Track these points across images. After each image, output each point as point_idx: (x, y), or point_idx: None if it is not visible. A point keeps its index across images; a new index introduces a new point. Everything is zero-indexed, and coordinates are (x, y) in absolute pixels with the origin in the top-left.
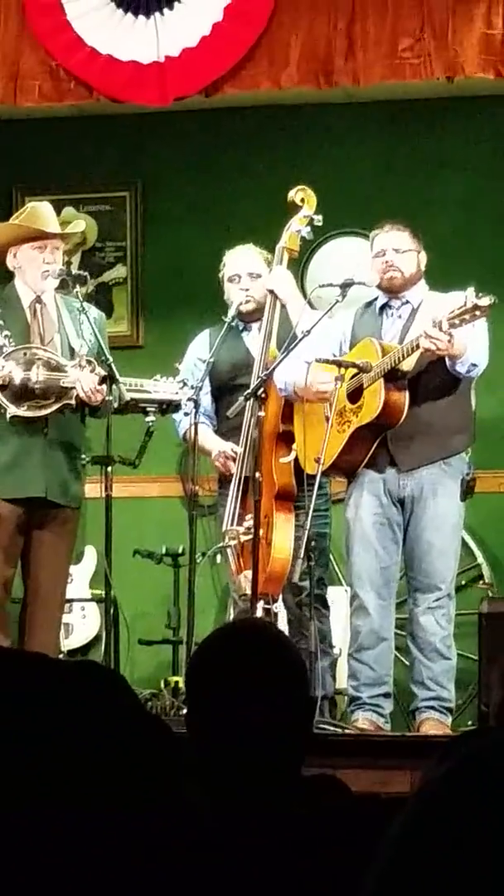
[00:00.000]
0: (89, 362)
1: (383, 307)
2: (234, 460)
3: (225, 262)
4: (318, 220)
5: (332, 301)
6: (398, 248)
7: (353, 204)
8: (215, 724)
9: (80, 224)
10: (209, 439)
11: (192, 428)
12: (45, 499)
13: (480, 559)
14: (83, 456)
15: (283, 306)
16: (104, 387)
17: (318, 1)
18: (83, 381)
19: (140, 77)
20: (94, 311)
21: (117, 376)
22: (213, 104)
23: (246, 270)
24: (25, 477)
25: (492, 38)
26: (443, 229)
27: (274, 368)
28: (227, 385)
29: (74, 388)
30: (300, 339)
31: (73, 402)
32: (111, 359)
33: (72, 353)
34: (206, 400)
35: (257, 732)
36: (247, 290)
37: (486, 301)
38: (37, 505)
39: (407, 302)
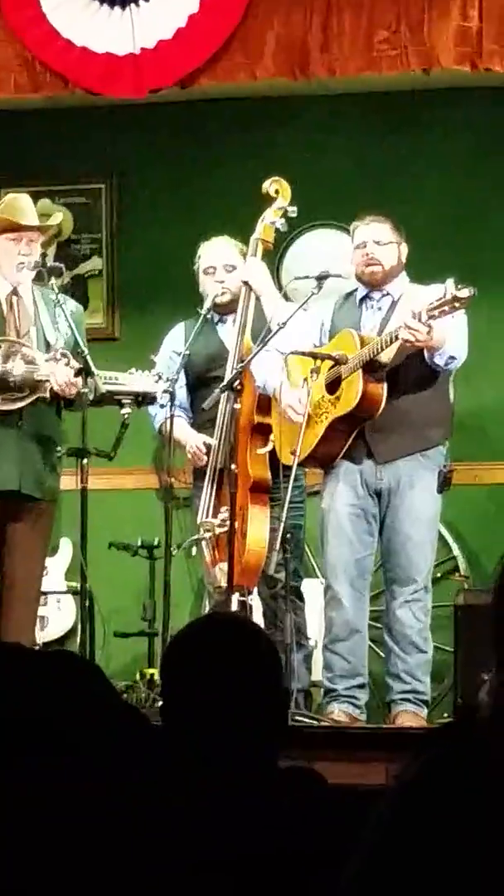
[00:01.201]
0: (64, 355)
1: (363, 299)
2: (208, 453)
3: (200, 254)
4: (293, 211)
5: (308, 293)
6: (379, 240)
7: (329, 196)
8: (190, 715)
9: (58, 217)
10: (184, 432)
11: (168, 421)
12: (19, 492)
13: (456, 551)
14: (59, 448)
15: (257, 298)
16: (79, 379)
17: None
18: (57, 375)
19: (115, 69)
20: (71, 304)
21: (93, 369)
22: (189, 96)
23: (221, 262)
24: None
25: (468, 30)
26: (419, 222)
27: (249, 360)
28: (202, 377)
29: (48, 380)
30: (276, 332)
31: (46, 395)
32: (87, 351)
33: (47, 346)
34: (182, 392)
35: (232, 724)
36: (222, 281)
37: (465, 293)
38: (11, 498)
39: (387, 294)
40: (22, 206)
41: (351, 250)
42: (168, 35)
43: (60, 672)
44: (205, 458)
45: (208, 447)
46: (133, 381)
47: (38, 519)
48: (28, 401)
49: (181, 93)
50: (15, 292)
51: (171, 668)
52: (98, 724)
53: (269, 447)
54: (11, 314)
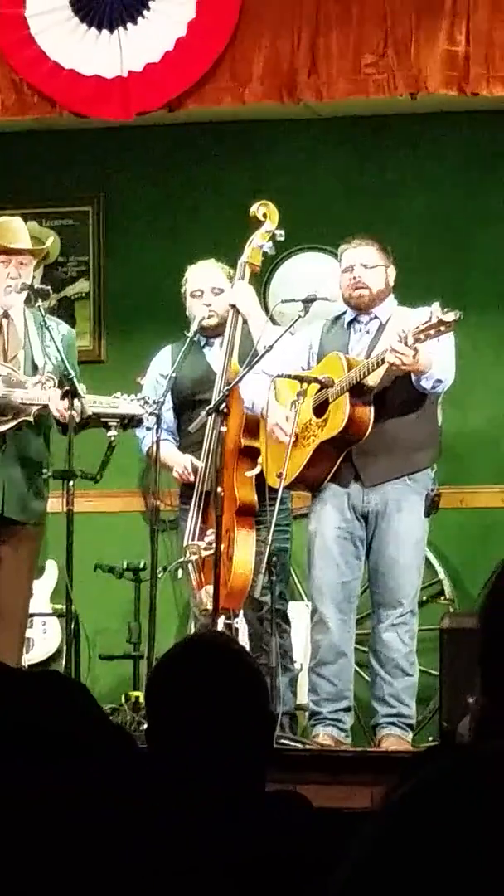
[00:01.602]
0: (50, 379)
1: (351, 322)
2: (195, 472)
3: (187, 277)
4: (280, 234)
5: (294, 316)
6: (366, 263)
7: (316, 220)
8: (175, 738)
9: (50, 240)
10: (171, 454)
11: (154, 441)
12: (1, 516)
13: (441, 575)
14: (45, 471)
15: (244, 321)
16: (64, 403)
17: (282, 16)
18: (55, 401)
19: (103, 91)
20: (63, 328)
21: (79, 391)
22: (177, 119)
23: (208, 285)
24: None
25: (455, 54)
26: (405, 245)
27: (236, 383)
28: (188, 400)
29: (33, 405)
30: (262, 355)
31: (30, 418)
32: (74, 374)
33: (35, 369)
34: (168, 416)
35: (217, 747)
36: (209, 304)
37: (451, 316)
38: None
39: (375, 317)
40: (12, 228)
41: (338, 273)
42: (156, 58)
43: (47, 691)
44: (192, 476)
45: (195, 467)
46: (118, 405)
47: (22, 542)
48: (11, 425)
49: (169, 115)
50: (6, 315)
51: (156, 690)
52: (84, 744)
53: (257, 470)
54: (0, 337)
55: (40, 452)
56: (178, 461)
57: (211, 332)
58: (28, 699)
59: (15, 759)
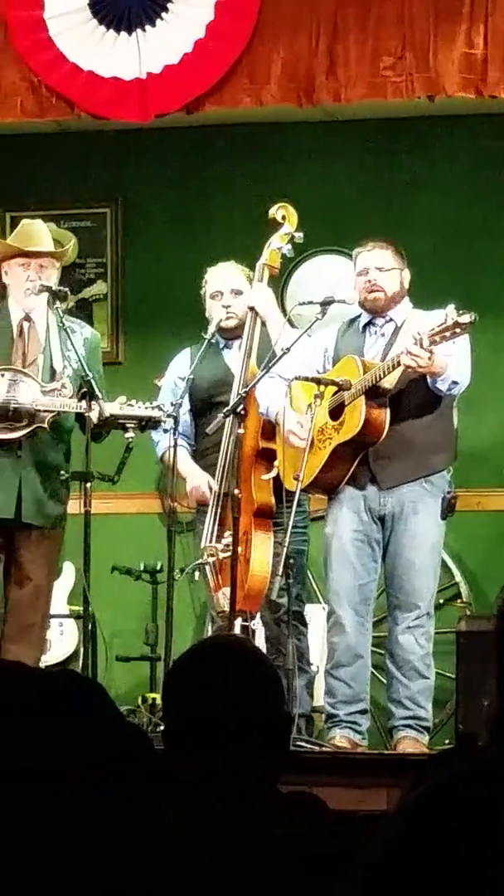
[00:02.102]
0: (64, 386)
1: (367, 325)
2: (209, 491)
3: (207, 279)
4: (299, 237)
5: (312, 319)
6: (381, 266)
7: (334, 222)
8: (192, 740)
9: (72, 242)
10: (187, 466)
11: (171, 446)
12: (18, 520)
13: (458, 578)
14: (63, 472)
15: (263, 323)
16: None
17: (300, 19)
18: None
19: (121, 93)
20: (87, 331)
21: (98, 393)
22: (195, 121)
23: (228, 287)
24: None
25: (472, 57)
26: (422, 248)
27: (254, 385)
28: (206, 402)
29: (48, 411)
30: (280, 357)
31: (45, 424)
32: (92, 375)
33: (53, 373)
34: (185, 419)
35: (233, 749)
36: (228, 306)
37: (466, 318)
38: (14, 525)
39: (390, 320)
40: (32, 231)
41: (353, 276)
42: (174, 60)
43: (63, 690)
44: (207, 497)
45: (210, 488)
46: (133, 411)
47: (40, 546)
48: (25, 431)
49: (187, 118)
50: (28, 318)
51: (173, 692)
52: (101, 744)
53: (274, 473)
54: (21, 340)
55: (58, 457)
56: (193, 479)
57: (230, 334)
58: (42, 700)
59: (29, 759)
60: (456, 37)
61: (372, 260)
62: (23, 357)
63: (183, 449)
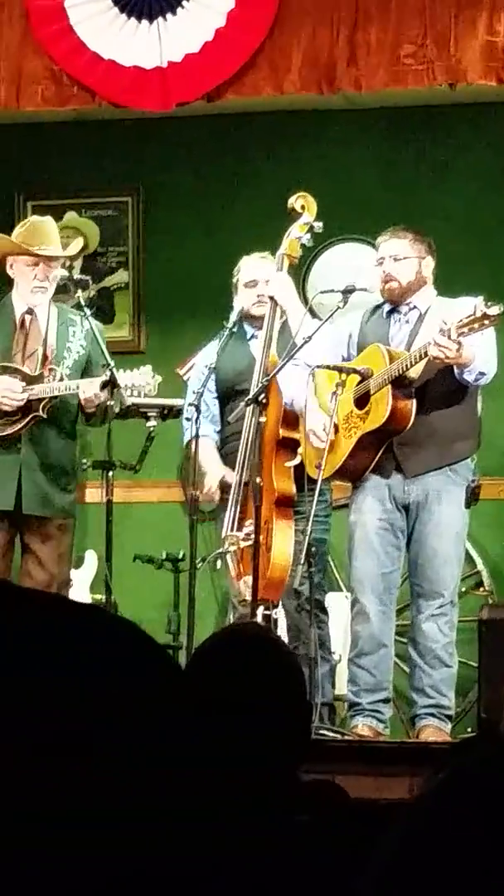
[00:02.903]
0: (52, 371)
1: (391, 312)
2: (223, 491)
3: (240, 268)
4: (319, 226)
5: (333, 307)
6: (395, 255)
7: (355, 210)
8: (212, 728)
9: (78, 245)
10: (207, 461)
11: (194, 435)
12: (20, 512)
13: (480, 566)
14: (84, 461)
15: (283, 313)
16: (104, 392)
17: (321, 7)
18: (84, 390)
19: (142, 82)
20: (90, 321)
21: (118, 381)
22: (216, 110)
23: (263, 276)
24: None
25: (494, 44)
26: (444, 236)
27: (275, 374)
28: (231, 390)
29: (43, 399)
30: (301, 346)
31: (42, 414)
32: (112, 363)
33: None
34: (214, 405)
35: (254, 737)
36: (262, 294)
37: (495, 310)
38: (23, 517)
39: (414, 307)
40: (42, 230)
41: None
42: (195, 49)
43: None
44: (216, 497)
45: (225, 484)
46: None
47: (50, 536)
48: (21, 424)
49: (208, 106)
50: (30, 311)
51: (194, 680)
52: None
53: (297, 460)
54: (22, 333)
55: (63, 446)
56: (210, 476)
57: (260, 323)
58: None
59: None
60: (477, 24)
61: (388, 249)
62: (23, 349)
63: (208, 440)
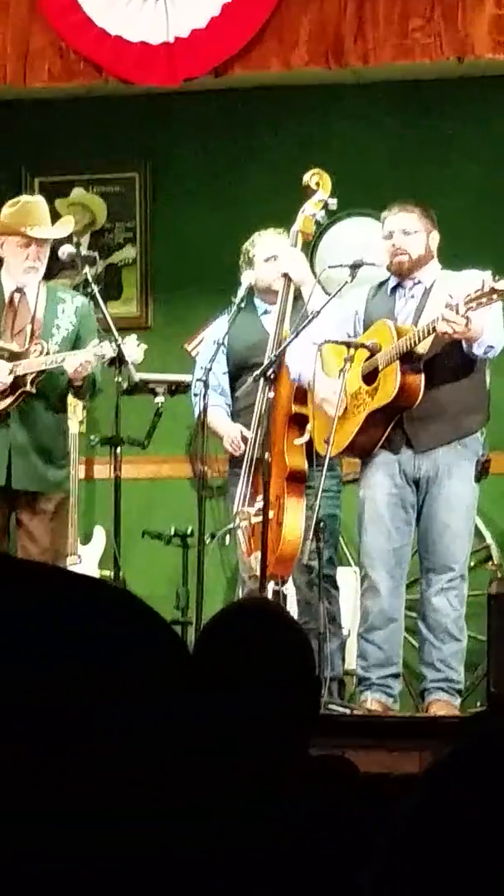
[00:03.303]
0: (38, 344)
1: (395, 287)
2: (245, 442)
3: (255, 242)
4: (333, 203)
5: (341, 282)
6: (406, 229)
7: (363, 185)
8: (221, 703)
9: (68, 227)
10: (221, 422)
11: (202, 409)
12: (10, 487)
13: (489, 540)
14: (93, 437)
15: (297, 289)
16: (90, 365)
17: None
18: (68, 364)
19: (149, 57)
20: (78, 300)
21: (126, 358)
22: (223, 85)
23: (283, 252)
24: None
25: (502, 18)
26: (453, 210)
27: (283, 349)
28: (244, 365)
29: (28, 374)
30: (310, 320)
31: (30, 388)
32: (120, 339)
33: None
34: (224, 380)
35: (263, 712)
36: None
37: (503, 284)
38: (14, 493)
39: (419, 282)
40: (33, 211)
41: (381, 240)
42: (202, 24)
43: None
44: (242, 446)
45: (244, 437)
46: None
47: (43, 510)
48: (9, 400)
49: (215, 81)
50: (19, 290)
51: (202, 655)
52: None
53: (306, 438)
54: (11, 311)
55: (53, 421)
56: (228, 431)
57: (273, 298)
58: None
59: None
60: None
61: (397, 223)
62: (11, 326)
63: (220, 409)
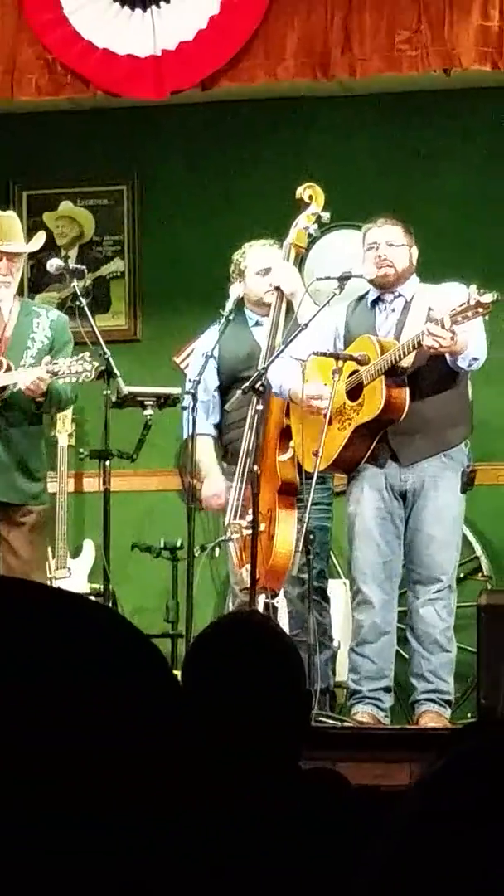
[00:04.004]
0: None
1: (375, 301)
2: (223, 500)
3: (247, 255)
4: (326, 217)
5: (329, 294)
6: (392, 241)
7: (350, 197)
8: (211, 716)
9: (40, 241)
10: (206, 464)
11: (191, 425)
12: None
13: (479, 551)
14: (82, 450)
15: (289, 302)
16: (42, 382)
17: None
18: (21, 378)
19: (137, 71)
20: (53, 314)
21: (115, 370)
22: (210, 97)
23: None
24: None
25: (489, 29)
26: (439, 222)
27: (271, 362)
28: (233, 378)
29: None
30: (298, 332)
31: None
32: (108, 353)
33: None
34: (215, 396)
35: (253, 724)
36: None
37: (488, 298)
38: None
39: (399, 295)
40: (6, 225)
41: (363, 252)
42: (189, 36)
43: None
44: (214, 509)
45: (224, 495)
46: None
47: (21, 522)
48: None
49: (202, 94)
50: None
51: (192, 668)
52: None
53: (290, 454)
54: None
55: (26, 434)
56: (212, 488)
57: (265, 310)
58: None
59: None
60: (471, 9)
61: (383, 235)
62: None
63: (206, 439)
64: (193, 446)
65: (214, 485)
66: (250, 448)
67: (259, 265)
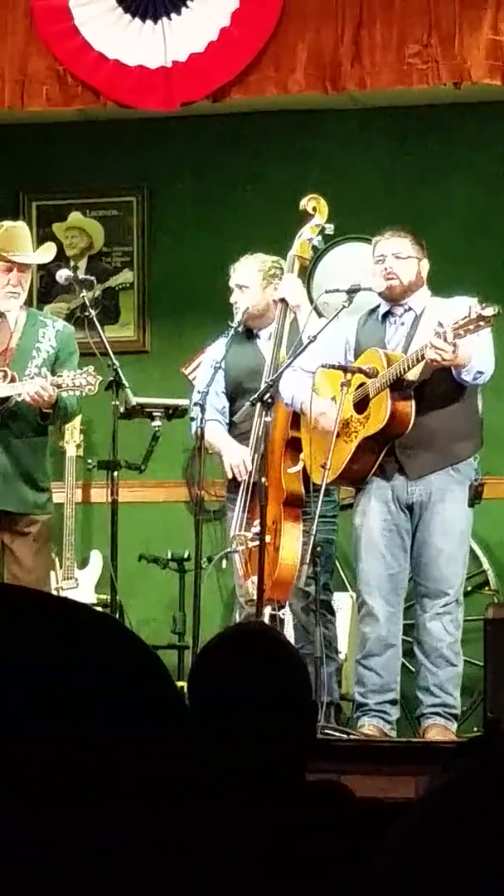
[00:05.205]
0: (1, 371)
1: (386, 315)
2: (245, 468)
3: (233, 269)
4: (330, 228)
5: (338, 307)
6: (399, 253)
7: (359, 210)
8: (217, 728)
9: (50, 253)
10: (223, 442)
11: (199, 432)
12: None
13: (486, 565)
14: (90, 461)
15: (294, 314)
16: (47, 392)
17: (326, 6)
18: (27, 388)
19: (147, 82)
20: (59, 324)
21: (123, 381)
22: (220, 109)
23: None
24: None
25: (499, 44)
26: (448, 236)
27: (279, 374)
28: (241, 389)
29: (9, 397)
30: (307, 345)
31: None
32: (116, 364)
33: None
34: (223, 399)
35: (259, 737)
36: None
37: (490, 311)
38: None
39: (410, 309)
40: (14, 236)
41: (372, 264)
42: (200, 48)
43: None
44: (243, 474)
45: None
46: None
47: (25, 531)
48: None
49: (212, 106)
50: (1, 314)
51: (199, 679)
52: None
53: (300, 466)
54: None
55: (31, 444)
56: (230, 455)
57: (261, 322)
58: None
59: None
60: (481, 23)
61: (390, 247)
62: None
63: (218, 425)
64: (203, 437)
65: (236, 452)
66: (255, 459)
67: (234, 279)
